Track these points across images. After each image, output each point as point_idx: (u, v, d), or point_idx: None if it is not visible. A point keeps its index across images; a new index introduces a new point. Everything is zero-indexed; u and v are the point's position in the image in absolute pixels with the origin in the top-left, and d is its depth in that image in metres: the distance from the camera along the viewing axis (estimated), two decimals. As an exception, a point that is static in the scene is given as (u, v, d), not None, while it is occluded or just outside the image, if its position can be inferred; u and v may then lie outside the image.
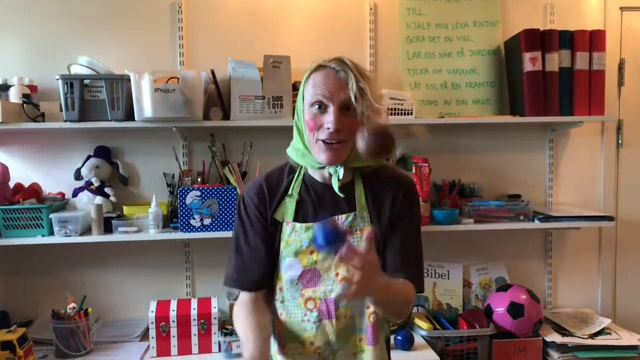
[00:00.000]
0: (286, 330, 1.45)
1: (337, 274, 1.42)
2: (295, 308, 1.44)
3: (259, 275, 1.45)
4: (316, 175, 1.47)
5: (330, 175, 1.43)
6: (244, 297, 1.47)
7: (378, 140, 1.30)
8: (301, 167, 1.48)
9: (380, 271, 1.21)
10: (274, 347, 1.48)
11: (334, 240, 1.17)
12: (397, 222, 1.44)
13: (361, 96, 1.34)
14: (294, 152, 1.48)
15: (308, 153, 1.42)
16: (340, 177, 1.40)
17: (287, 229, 1.44)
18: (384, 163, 1.49)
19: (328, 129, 1.34)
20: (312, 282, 1.42)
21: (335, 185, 1.41)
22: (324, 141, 1.36)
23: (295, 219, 1.44)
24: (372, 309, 1.43)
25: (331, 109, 1.34)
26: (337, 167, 1.40)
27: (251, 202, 1.47)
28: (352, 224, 1.42)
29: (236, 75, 2.32)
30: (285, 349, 1.45)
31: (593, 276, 2.84)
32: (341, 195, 1.41)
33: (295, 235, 1.42)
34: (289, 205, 1.45)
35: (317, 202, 1.44)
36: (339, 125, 1.34)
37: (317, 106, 1.37)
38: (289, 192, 1.46)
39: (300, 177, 1.48)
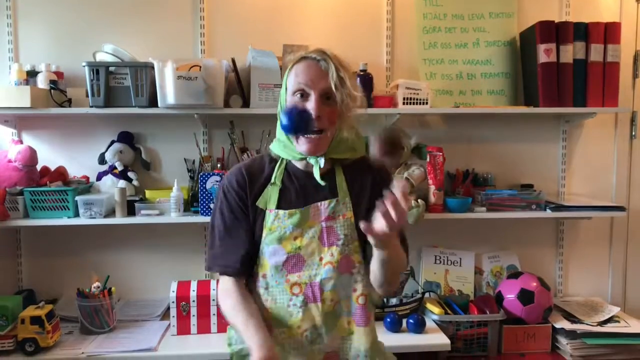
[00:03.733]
0: (272, 316, 1.47)
1: (320, 259, 1.46)
2: (281, 293, 1.47)
3: (241, 260, 1.47)
4: (298, 164, 1.51)
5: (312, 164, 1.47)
6: (228, 285, 1.48)
7: (388, 143, 1.38)
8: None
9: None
10: None
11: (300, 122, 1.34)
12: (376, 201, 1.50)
13: (341, 85, 1.40)
14: (276, 144, 1.52)
15: (290, 144, 1.47)
16: (321, 166, 1.45)
17: (270, 216, 1.47)
18: (363, 154, 1.54)
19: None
20: (297, 267, 1.46)
21: (317, 175, 1.45)
22: None
23: (279, 206, 1.47)
24: (359, 291, 1.49)
25: (312, 97, 1.40)
26: (317, 157, 1.45)
27: (232, 188, 1.49)
28: (335, 210, 1.48)
29: (256, 63, 2.38)
30: (272, 334, 1.45)
31: (604, 265, 2.88)
32: (323, 183, 1.46)
33: (278, 222, 1.46)
34: (272, 193, 1.48)
35: (300, 190, 1.48)
36: (320, 112, 1.39)
37: (299, 94, 1.42)
38: (272, 180, 1.49)
39: (283, 165, 1.51)
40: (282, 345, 1.46)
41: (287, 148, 1.49)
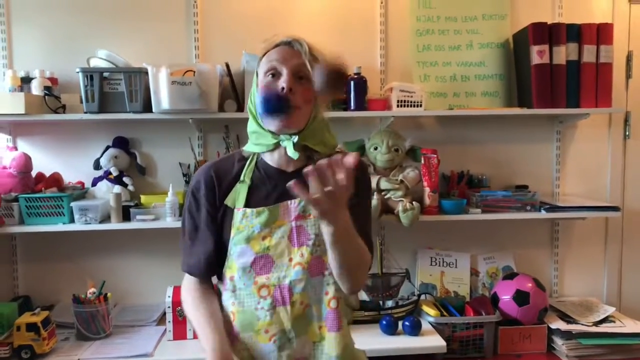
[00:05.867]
0: (239, 320, 1.42)
1: (290, 260, 1.40)
2: (248, 296, 1.41)
3: (206, 262, 1.44)
4: (270, 160, 1.46)
5: (285, 157, 1.42)
6: (191, 283, 1.47)
7: (332, 73, 1.31)
8: (254, 153, 1.48)
9: (346, 203, 1.21)
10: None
11: (277, 106, 1.32)
12: (348, 201, 1.43)
13: (314, 61, 1.37)
14: (249, 143, 1.48)
15: (262, 130, 1.42)
16: (294, 142, 1.39)
17: (237, 215, 1.42)
18: (336, 150, 1.48)
19: (282, 89, 1.35)
20: (265, 268, 1.40)
21: (291, 151, 1.39)
22: None
23: (248, 205, 1.42)
24: (331, 294, 1.42)
25: (285, 72, 1.37)
26: (291, 136, 1.40)
27: (200, 188, 1.45)
28: (305, 208, 1.41)
29: (250, 68, 2.38)
30: (239, 338, 1.42)
31: (599, 266, 2.89)
32: (295, 155, 1.39)
33: (246, 221, 1.41)
34: (241, 191, 1.43)
35: (271, 188, 1.43)
36: (292, 85, 1.35)
37: (270, 74, 1.38)
38: (241, 178, 1.45)
39: (253, 163, 1.47)
40: (248, 351, 1.41)
41: (259, 137, 1.44)
